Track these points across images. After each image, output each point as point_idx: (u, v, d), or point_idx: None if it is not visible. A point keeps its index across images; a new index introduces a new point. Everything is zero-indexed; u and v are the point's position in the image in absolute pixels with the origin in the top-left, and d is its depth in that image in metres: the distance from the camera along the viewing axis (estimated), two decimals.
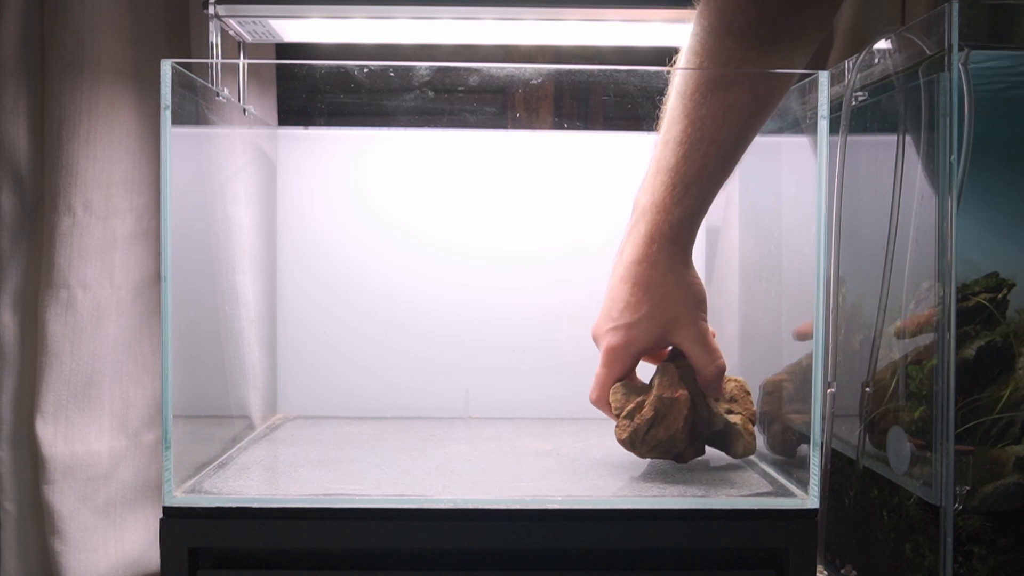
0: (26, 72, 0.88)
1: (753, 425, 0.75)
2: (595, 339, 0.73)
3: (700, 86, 0.66)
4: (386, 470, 0.74)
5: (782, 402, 0.80)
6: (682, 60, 0.69)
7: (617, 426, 0.73)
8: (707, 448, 0.77)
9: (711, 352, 0.70)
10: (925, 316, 0.65)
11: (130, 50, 0.90)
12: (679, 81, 0.68)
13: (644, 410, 0.72)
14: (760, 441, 0.78)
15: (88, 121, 0.86)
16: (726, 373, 0.77)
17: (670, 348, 0.75)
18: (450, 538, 0.65)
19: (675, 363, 0.73)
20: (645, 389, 0.73)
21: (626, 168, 0.95)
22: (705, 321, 0.70)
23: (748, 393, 0.76)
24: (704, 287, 0.71)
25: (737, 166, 0.69)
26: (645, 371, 0.75)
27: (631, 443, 0.72)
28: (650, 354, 0.74)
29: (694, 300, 0.69)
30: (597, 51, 1.03)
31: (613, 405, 0.74)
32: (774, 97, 0.68)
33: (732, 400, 0.75)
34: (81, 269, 0.87)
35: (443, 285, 0.99)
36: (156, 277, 0.92)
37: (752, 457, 0.77)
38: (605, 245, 0.74)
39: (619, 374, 0.72)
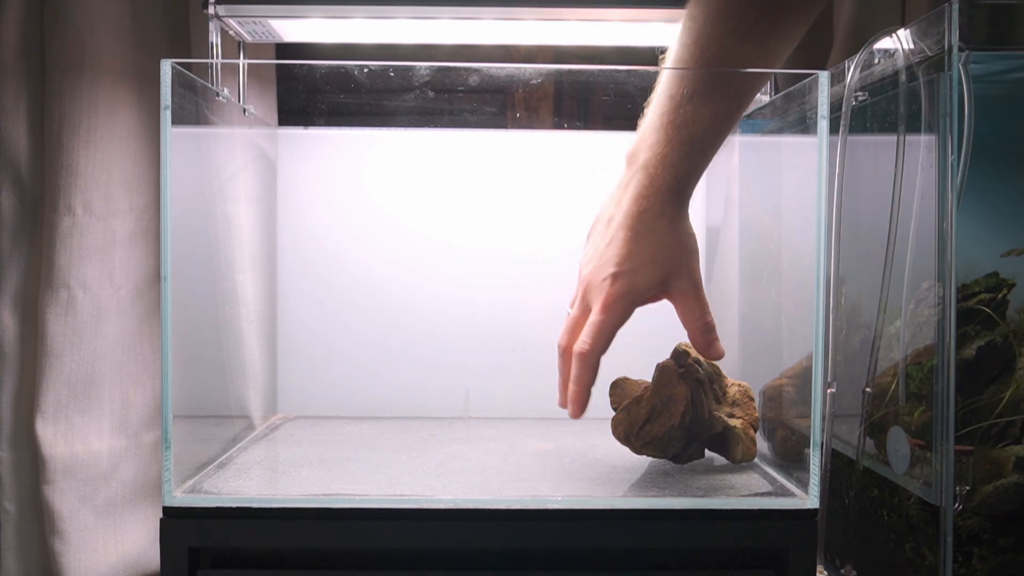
0: (26, 72, 0.87)
1: (755, 430, 0.75)
2: (588, 287, 0.72)
3: (713, 37, 0.67)
4: (386, 470, 0.74)
5: (783, 407, 0.80)
6: (671, 54, 0.69)
7: (613, 419, 0.74)
8: (706, 452, 0.77)
9: (702, 306, 0.71)
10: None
11: (130, 50, 0.89)
12: (683, 32, 0.68)
13: (641, 405, 0.72)
14: (764, 448, 0.78)
15: (88, 121, 0.86)
16: (729, 375, 0.77)
17: (670, 356, 0.75)
18: (450, 538, 0.65)
19: (676, 362, 0.73)
20: (643, 385, 0.74)
21: None
22: (699, 273, 0.72)
23: (752, 399, 0.76)
24: (697, 240, 0.72)
25: (739, 167, 0.69)
26: (643, 372, 0.75)
27: (626, 437, 0.73)
28: (644, 303, 0.72)
29: (692, 249, 0.71)
30: (597, 51, 1.03)
31: (611, 399, 0.74)
32: (782, 54, 0.69)
33: (734, 404, 0.75)
34: (81, 269, 0.87)
35: (443, 285, 0.99)
36: (156, 277, 0.92)
37: None
38: None
39: (619, 321, 0.71)
